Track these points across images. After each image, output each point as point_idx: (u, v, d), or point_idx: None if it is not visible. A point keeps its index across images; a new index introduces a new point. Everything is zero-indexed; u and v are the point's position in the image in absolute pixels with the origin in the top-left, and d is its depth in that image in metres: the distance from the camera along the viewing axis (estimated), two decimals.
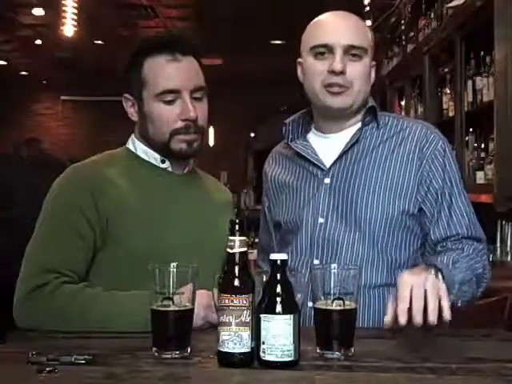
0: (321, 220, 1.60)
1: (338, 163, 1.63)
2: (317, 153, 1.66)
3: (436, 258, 1.50)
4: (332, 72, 1.57)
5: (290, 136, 1.71)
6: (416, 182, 1.58)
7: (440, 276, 1.32)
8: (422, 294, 1.23)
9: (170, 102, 1.56)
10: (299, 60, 1.67)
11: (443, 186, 1.59)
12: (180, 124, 1.57)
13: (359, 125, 1.65)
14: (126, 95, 1.62)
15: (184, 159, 1.64)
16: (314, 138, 1.71)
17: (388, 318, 1.24)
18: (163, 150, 1.61)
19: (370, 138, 1.65)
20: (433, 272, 1.32)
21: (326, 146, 1.67)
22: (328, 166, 1.64)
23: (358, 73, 1.59)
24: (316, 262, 1.58)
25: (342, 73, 1.57)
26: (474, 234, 1.58)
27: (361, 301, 1.55)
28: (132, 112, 1.63)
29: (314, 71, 1.61)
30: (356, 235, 1.57)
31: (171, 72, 1.57)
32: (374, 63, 1.66)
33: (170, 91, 1.56)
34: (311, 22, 1.66)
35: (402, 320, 1.21)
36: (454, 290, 1.41)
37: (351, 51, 1.58)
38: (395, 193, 1.58)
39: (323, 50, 1.59)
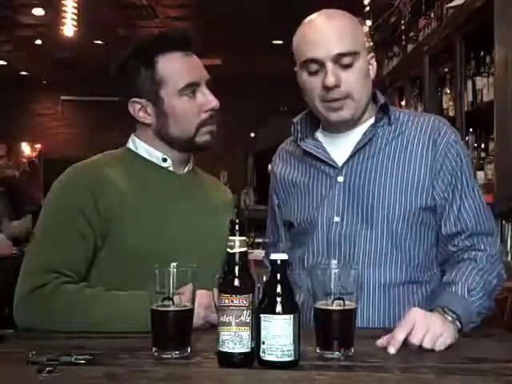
0: (336, 219, 1.59)
1: (350, 161, 1.61)
2: (328, 151, 1.65)
3: (451, 287, 1.48)
4: (326, 87, 1.55)
5: (299, 135, 1.70)
6: (431, 175, 1.57)
7: (456, 323, 1.37)
8: (422, 332, 1.27)
9: (192, 96, 1.58)
10: (295, 69, 1.64)
11: (455, 181, 1.58)
12: (205, 115, 1.60)
13: (370, 122, 1.64)
14: (135, 99, 1.60)
15: (203, 151, 1.65)
16: (323, 136, 1.69)
17: (381, 341, 1.29)
18: (186, 145, 1.62)
19: (382, 134, 1.63)
20: (449, 319, 1.37)
21: (337, 144, 1.65)
22: (340, 164, 1.62)
23: (354, 81, 1.56)
24: (334, 261, 1.57)
25: (337, 86, 1.54)
26: (484, 229, 1.57)
27: (381, 300, 1.55)
28: (143, 115, 1.61)
29: (310, 88, 1.59)
30: (373, 232, 1.56)
31: (188, 66, 1.60)
32: (371, 55, 1.63)
33: (192, 84, 1.58)
34: (298, 29, 1.61)
35: (392, 350, 1.25)
36: (473, 319, 1.45)
37: (342, 60, 1.54)
38: (411, 187, 1.56)
39: (314, 67, 1.55)
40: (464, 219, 1.57)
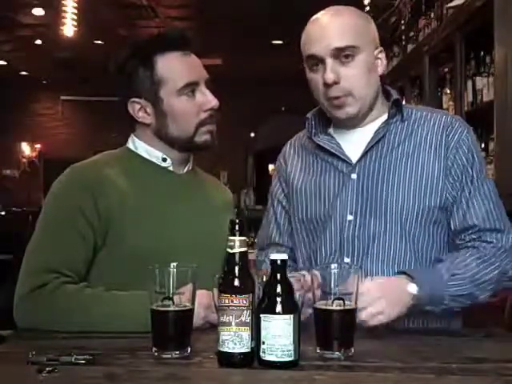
0: (349, 217, 1.57)
1: (363, 159, 1.60)
2: (342, 147, 1.64)
3: (435, 266, 1.51)
4: (325, 84, 1.54)
5: (314, 131, 1.68)
6: (444, 173, 1.56)
7: (413, 288, 1.42)
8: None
9: (191, 96, 1.58)
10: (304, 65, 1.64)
11: (465, 177, 1.57)
12: (204, 115, 1.60)
13: (382, 118, 1.63)
14: (134, 99, 1.60)
15: (203, 151, 1.65)
16: (336, 132, 1.68)
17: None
18: (186, 145, 1.62)
19: (395, 131, 1.62)
20: (407, 288, 1.41)
21: (350, 140, 1.64)
22: (354, 161, 1.61)
23: (354, 76, 1.55)
24: (347, 260, 1.56)
25: (336, 83, 1.54)
26: (494, 226, 1.56)
27: None
28: (142, 115, 1.61)
29: (313, 84, 1.59)
30: (387, 231, 1.55)
31: (187, 66, 1.60)
32: (380, 50, 1.61)
33: (191, 84, 1.58)
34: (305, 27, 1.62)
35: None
36: (445, 302, 1.47)
37: (341, 55, 1.53)
38: (425, 187, 1.56)
39: (315, 63, 1.56)
40: (472, 216, 1.56)
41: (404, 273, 1.46)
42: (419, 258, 1.57)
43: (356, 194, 1.58)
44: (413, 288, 1.42)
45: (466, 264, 1.49)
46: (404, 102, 1.80)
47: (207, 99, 1.60)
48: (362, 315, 1.32)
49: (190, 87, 1.58)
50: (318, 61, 1.55)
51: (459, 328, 1.63)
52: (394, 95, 1.63)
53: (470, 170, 1.57)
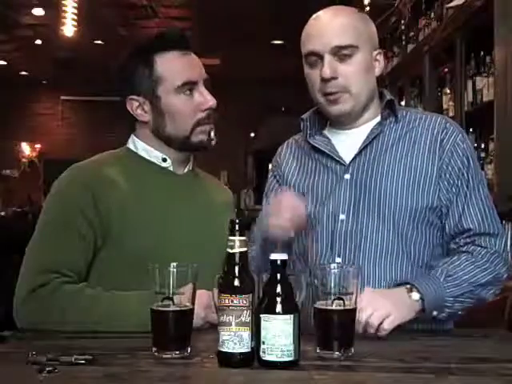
0: (342, 217, 1.58)
1: (357, 159, 1.61)
2: (336, 148, 1.64)
3: (430, 272, 1.51)
4: (323, 79, 1.56)
5: (309, 132, 1.70)
6: (438, 175, 1.57)
7: (416, 295, 1.43)
8: (367, 314, 1.34)
9: (189, 94, 1.58)
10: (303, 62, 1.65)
11: (460, 181, 1.57)
12: (202, 114, 1.60)
13: (377, 119, 1.64)
14: (133, 97, 1.60)
15: (200, 151, 1.65)
16: (331, 133, 1.69)
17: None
18: (182, 145, 1.62)
19: (389, 132, 1.63)
20: (414, 297, 1.43)
21: (344, 141, 1.65)
22: (347, 161, 1.61)
23: (352, 73, 1.56)
24: (338, 259, 1.56)
25: (334, 78, 1.55)
26: (488, 230, 1.56)
27: None
28: (140, 113, 1.61)
29: (310, 80, 1.60)
30: (380, 230, 1.55)
31: (186, 65, 1.60)
32: (378, 51, 1.62)
33: (189, 83, 1.58)
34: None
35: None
36: (448, 304, 1.47)
37: (340, 52, 1.55)
38: (418, 187, 1.56)
39: (314, 60, 1.57)
40: (467, 220, 1.56)
41: (401, 284, 1.47)
42: (411, 258, 1.56)
43: (349, 194, 1.59)
44: (415, 295, 1.43)
45: (461, 268, 1.50)
46: (404, 103, 1.81)
47: (205, 99, 1.60)
48: (374, 320, 1.33)
49: (188, 86, 1.58)
50: (317, 57, 1.57)
51: (451, 328, 1.63)
52: (388, 96, 1.65)
53: (465, 174, 1.58)
